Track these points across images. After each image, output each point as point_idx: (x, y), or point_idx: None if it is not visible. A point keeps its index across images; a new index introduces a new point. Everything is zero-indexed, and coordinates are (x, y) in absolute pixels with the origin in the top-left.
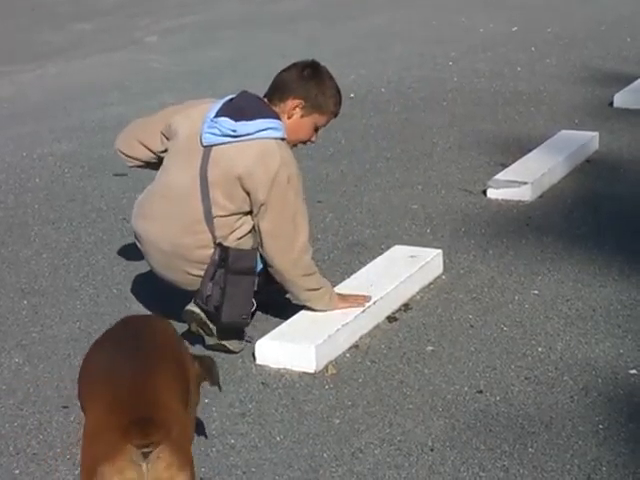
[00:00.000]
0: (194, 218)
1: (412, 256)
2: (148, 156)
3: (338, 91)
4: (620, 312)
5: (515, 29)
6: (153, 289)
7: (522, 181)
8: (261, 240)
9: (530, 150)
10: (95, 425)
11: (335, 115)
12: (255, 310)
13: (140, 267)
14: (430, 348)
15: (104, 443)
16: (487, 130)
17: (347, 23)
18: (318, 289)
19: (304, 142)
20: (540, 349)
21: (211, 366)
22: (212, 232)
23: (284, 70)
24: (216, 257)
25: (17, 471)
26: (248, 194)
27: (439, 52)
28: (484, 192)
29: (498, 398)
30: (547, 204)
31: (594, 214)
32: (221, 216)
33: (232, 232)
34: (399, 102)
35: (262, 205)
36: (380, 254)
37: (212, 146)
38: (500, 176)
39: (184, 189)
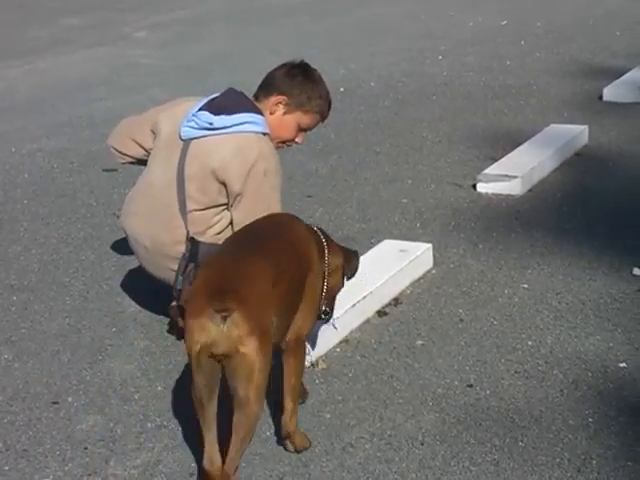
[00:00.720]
0: (171, 213)
1: (402, 250)
2: (140, 153)
3: (326, 94)
4: (610, 306)
5: (504, 23)
6: (143, 285)
7: (512, 175)
8: (233, 230)
9: (520, 144)
10: (194, 290)
11: (322, 118)
12: None
13: (130, 262)
14: (420, 342)
15: (195, 305)
16: (477, 124)
17: (336, 18)
18: None
19: (289, 142)
20: (530, 343)
21: (351, 260)
22: (186, 227)
23: (275, 69)
24: (187, 251)
25: (7, 467)
26: (224, 185)
27: (428, 46)
28: (474, 186)
29: (488, 392)
30: (537, 198)
31: (584, 208)
32: (196, 210)
33: (209, 228)
34: (389, 96)
35: (237, 196)
36: (370, 248)
37: (190, 140)
38: (490, 170)
39: (163, 185)
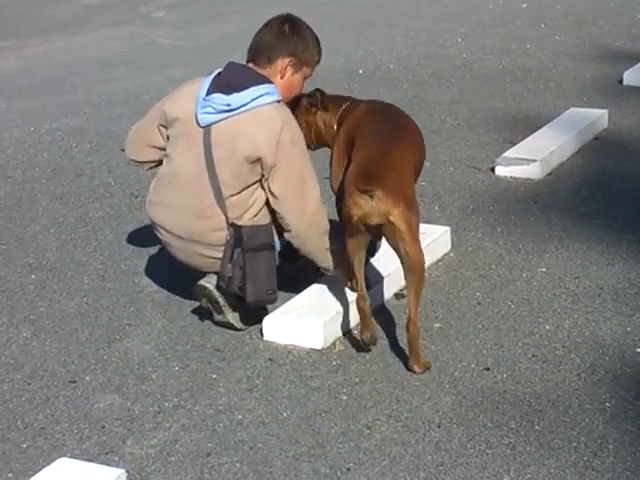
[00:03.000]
0: (205, 203)
1: (420, 233)
2: (160, 154)
3: (317, 39)
4: (628, 290)
5: (525, 5)
6: (161, 264)
7: (531, 158)
8: (274, 205)
9: (539, 127)
10: (348, 176)
11: (318, 63)
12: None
13: (148, 243)
14: (437, 325)
15: (348, 188)
16: (496, 107)
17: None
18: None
19: (293, 96)
20: (547, 327)
21: None
22: (225, 214)
23: (261, 30)
24: (231, 238)
25: (24, 445)
26: (259, 162)
27: (448, 28)
28: (492, 169)
29: (505, 375)
30: (556, 182)
31: (603, 192)
32: (232, 195)
33: (246, 211)
34: (407, 79)
35: (272, 168)
36: None
37: (210, 125)
38: (509, 153)
39: (191, 174)
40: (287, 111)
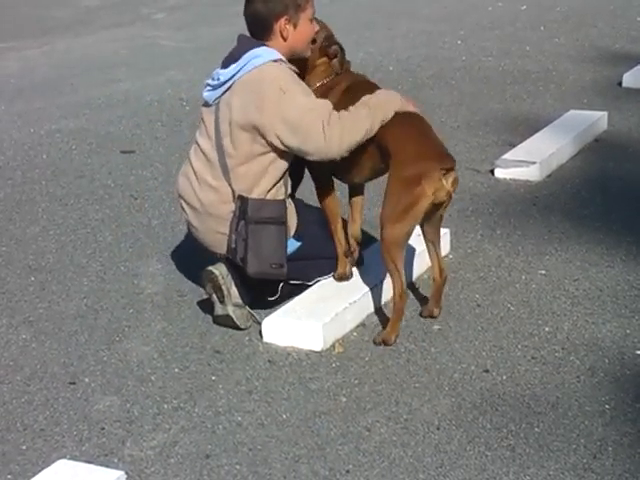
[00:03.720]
0: (213, 174)
1: (419, 235)
2: None
3: None
4: (627, 292)
5: (524, 8)
6: (160, 266)
7: (530, 161)
8: (301, 156)
9: (538, 129)
10: (414, 154)
11: None
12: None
13: (147, 244)
14: (437, 327)
15: (422, 165)
16: (495, 109)
17: (354, 0)
18: (366, 119)
19: (313, 40)
20: (547, 329)
21: None
22: (230, 185)
23: (246, 7)
24: (237, 209)
25: (24, 446)
26: (257, 130)
27: (447, 30)
28: (492, 171)
29: (504, 377)
30: (555, 184)
31: (602, 194)
32: (238, 165)
33: (255, 186)
34: (407, 80)
35: (273, 131)
36: None
37: (215, 102)
38: (508, 155)
39: (206, 148)
40: (276, 68)
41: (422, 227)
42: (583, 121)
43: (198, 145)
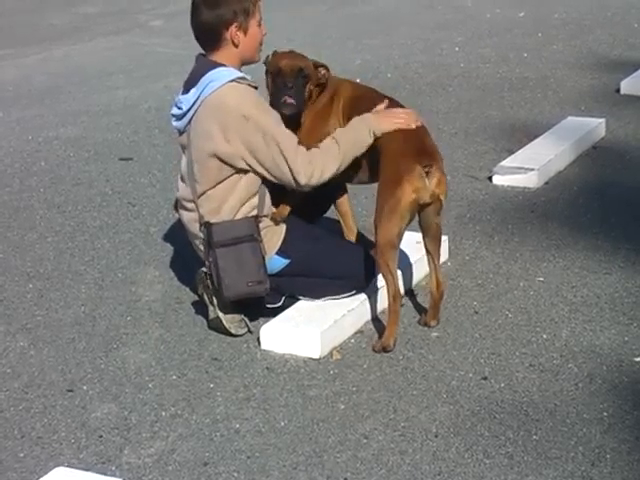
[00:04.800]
0: (188, 196)
1: (418, 242)
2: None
3: None
4: (625, 299)
5: (522, 15)
6: (158, 273)
7: (528, 167)
8: (275, 181)
9: (536, 136)
10: (395, 153)
11: None
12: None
13: (145, 251)
14: (435, 334)
15: (403, 164)
16: (493, 116)
17: (353, 7)
18: (339, 151)
19: (261, 43)
20: (545, 336)
21: None
22: (198, 210)
23: (193, 18)
24: (204, 237)
25: (22, 454)
26: (222, 160)
27: (445, 37)
28: (490, 178)
29: (502, 385)
30: (553, 191)
31: (600, 201)
32: (204, 190)
33: (224, 203)
34: (405, 87)
35: (237, 155)
36: None
37: (186, 129)
38: (506, 162)
39: (183, 171)
40: (236, 91)
41: (423, 238)
42: (581, 128)
43: (180, 165)
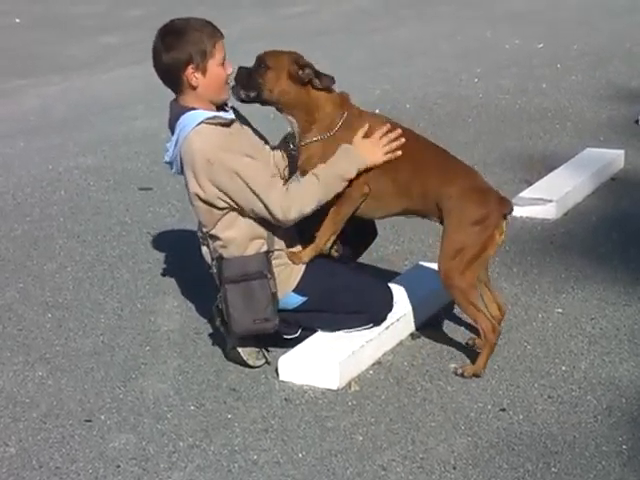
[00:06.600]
0: (200, 234)
1: (437, 272)
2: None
3: (200, 21)
4: None
5: (541, 45)
6: (176, 303)
7: (547, 199)
8: (251, 222)
9: (555, 167)
10: (477, 202)
11: (221, 35)
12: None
13: (164, 281)
14: (453, 365)
15: (493, 218)
16: (512, 147)
17: (372, 37)
18: (319, 185)
19: (228, 81)
20: (564, 368)
21: None
22: (210, 245)
23: (153, 62)
24: (215, 270)
25: None
26: (207, 202)
27: (464, 68)
28: None
29: (521, 417)
30: (572, 222)
31: (619, 232)
32: (210, 229)
33: (229, 241)
34: (424, 118)
35: (218, 194)
36: (404, 270)
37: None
38: (525, 193)
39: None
40: (199, 136)
41: None
42: (600, 159)
43: None
